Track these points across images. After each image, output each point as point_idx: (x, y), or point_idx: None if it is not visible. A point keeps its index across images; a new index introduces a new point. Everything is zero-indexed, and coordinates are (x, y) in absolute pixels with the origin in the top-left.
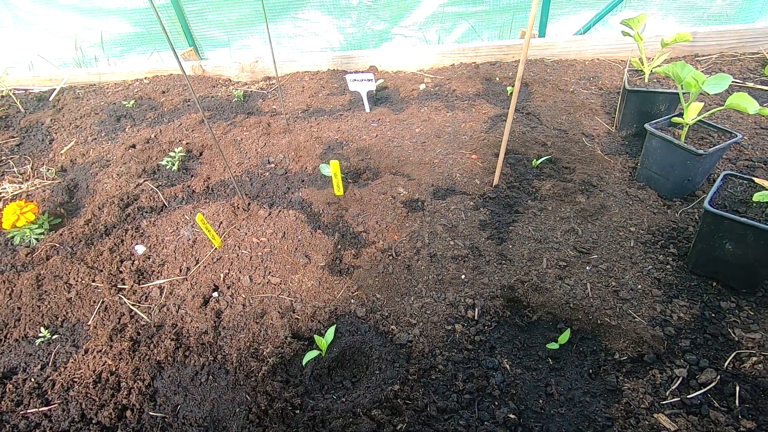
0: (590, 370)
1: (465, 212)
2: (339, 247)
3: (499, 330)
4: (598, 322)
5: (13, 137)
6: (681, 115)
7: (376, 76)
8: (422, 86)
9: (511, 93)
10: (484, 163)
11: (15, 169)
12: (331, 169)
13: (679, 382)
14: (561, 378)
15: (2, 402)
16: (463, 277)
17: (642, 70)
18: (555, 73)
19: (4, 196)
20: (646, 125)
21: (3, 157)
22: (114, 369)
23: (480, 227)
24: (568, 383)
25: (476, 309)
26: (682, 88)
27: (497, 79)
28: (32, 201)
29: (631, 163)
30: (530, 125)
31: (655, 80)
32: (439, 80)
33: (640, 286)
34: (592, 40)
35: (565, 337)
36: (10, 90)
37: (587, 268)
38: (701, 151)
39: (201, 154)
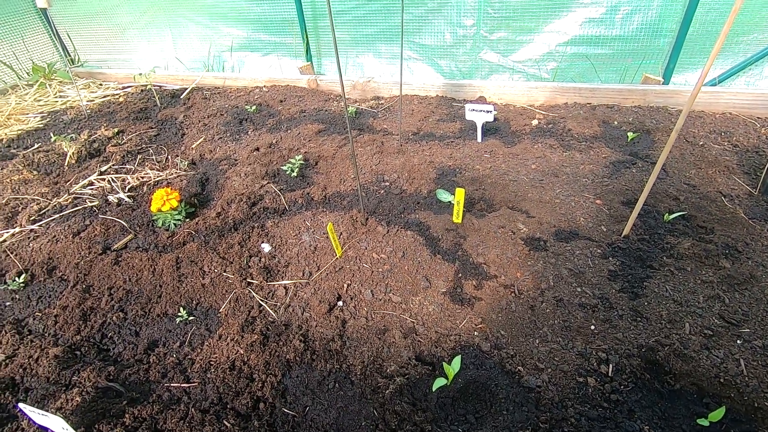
0: None
1: (592, 259)
2: (459, 275)
3: (637, 392)
4: (756, 405)
5: (152, 128)
6: None
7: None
8: (534, 122)
9: (632, 139)
10: (610, 210)
11: (154, 157)
12: (456, 197)
13: None
14: None
15: (151, 372)
16: (592, 327)
17: None
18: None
19: (147, 181)
20: None
21: (143, 145)
22: (246, 359)
23: (609, 278)
24: None
25: (610, 365)
26: None
27: (616, 123)
28: (174, 189)
29: None
30: (658, 176)
31: None
32: (553, 117)
33: None
34: (725, 93)
35: (717, 414)
36: (152, 86)
37: (738, 341)
38: None
39: (317, 164)
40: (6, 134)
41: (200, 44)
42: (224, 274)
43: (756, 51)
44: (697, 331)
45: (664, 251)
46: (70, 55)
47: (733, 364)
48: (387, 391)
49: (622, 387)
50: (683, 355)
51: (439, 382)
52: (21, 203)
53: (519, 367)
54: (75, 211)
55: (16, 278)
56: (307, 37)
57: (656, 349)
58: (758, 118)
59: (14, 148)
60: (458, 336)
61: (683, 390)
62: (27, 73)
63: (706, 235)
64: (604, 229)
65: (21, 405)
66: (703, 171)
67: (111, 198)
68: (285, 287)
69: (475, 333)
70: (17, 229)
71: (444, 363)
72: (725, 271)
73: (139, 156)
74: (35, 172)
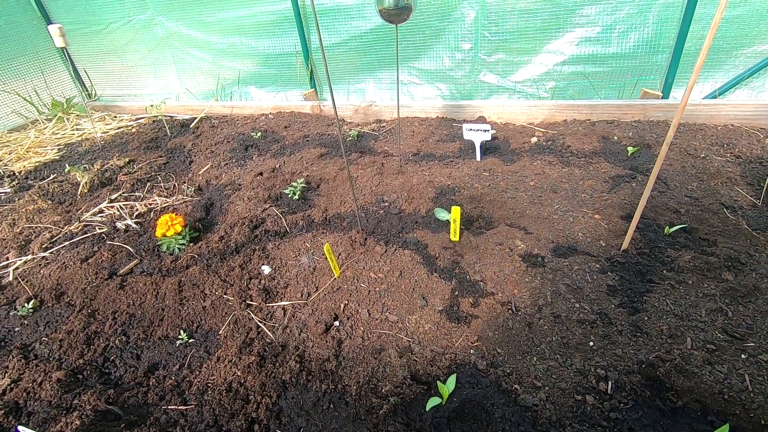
0: None
1: (590, 274)
2: (456, 293)
3: (638, 410)
4: (762, 422)
5: (161, 157)
6: None
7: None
8: (534, 139)
9: (632, 154)
10: (609, 224)
11: (162, 184)
12: (452, 215)
13: None
14: None
15: (149, 394)
16: (591, 344)
17: None
18: (681, 136)
19: (154, 208)
20: None
21: (153, 173)
22: (242, 381)
23: (608, 293)
24: None
25: (609, 382)
26: None
27: (616, 138)
28: (179, 214)
29: None
30: (658, 189)
31: None
32: (552, 135)
33: None
34: (726, 105)
35: None
36: (162, 116)
37: (742, 356)
38: None
39: (318, 187)
40: (24, 166)
41: (205, 79)
42: (225, 296)
43: (755, 63)
44: (699, 346)
45: (664, 265)
46: (87, 90)
47: (738, 379)
48: (381, 412)
49: (621, 405)
50: (685, 370)
51: (433, 401)
52: (34, 232)
53: (516, 386)
54: (84, 238)
55: (26, 304)
56: (310, 65)
57: (657, 365)
58: (761, 128)
59: (31, 179)
60: (454, 354)
61: (686, 407)
62: (47, 108)
63: (708, 248)
64: (603, 244)
65: (20, 428)
66: (705, 183)
67: (119, 224)
68: (283, 308)
69: (471, 351)
70: (29, 257)
71: (438, 382)
72: (728, 284)
73: (149, 183)
74: (49, 202)
